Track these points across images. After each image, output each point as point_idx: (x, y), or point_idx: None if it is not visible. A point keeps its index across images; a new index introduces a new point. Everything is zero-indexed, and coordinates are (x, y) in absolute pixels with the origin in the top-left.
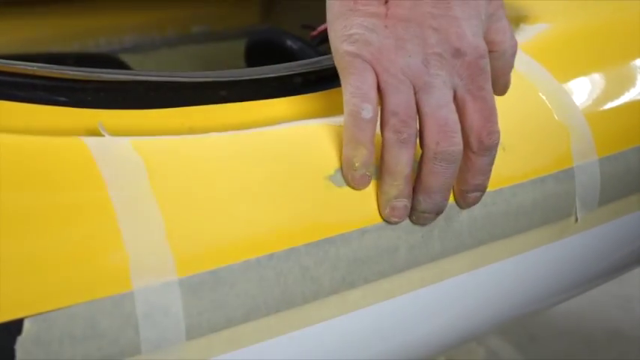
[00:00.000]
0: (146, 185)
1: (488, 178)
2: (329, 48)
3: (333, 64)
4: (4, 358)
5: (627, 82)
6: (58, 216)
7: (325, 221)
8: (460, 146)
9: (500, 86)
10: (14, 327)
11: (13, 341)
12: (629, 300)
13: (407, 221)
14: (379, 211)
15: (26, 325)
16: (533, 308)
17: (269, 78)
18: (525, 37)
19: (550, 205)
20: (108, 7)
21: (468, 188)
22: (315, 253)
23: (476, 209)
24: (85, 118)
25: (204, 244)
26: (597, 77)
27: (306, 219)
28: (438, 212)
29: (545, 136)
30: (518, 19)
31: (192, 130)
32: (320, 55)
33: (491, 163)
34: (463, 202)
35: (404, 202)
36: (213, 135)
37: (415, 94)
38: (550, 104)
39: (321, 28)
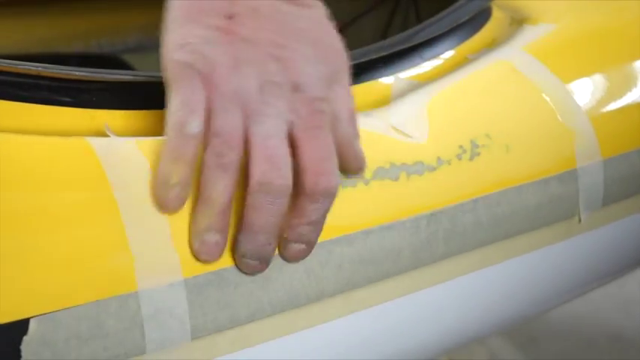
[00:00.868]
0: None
1: (316, 231)
2: None
3: None
4: (10, 358)
5: (631, 84)
6: (63, 216)
7: (330, 222)
8: (288, 181)
9: (351, 160)
10: (20, 327)
11: (19, 341)
12: (630, 302)
13: (411, 221)
14: (189, 244)
15: (32, 325)
16: (536, 309)
17: None
18: (529, 38)
19: (554, 206)
20: (111, 7)
21: (292, 236)
22: (319, 253)
23: (480, 210)
24: (90, 118)
25: None
26: (601, 78)
27: None
28: (262, 259)
29: (549, 138)
30: (521, 20)
31: None
32: None
33: (323, 215)
34: (285, 253)
35: (215, 238)
36: None
37: (245, 120)
38: (554, 105)
39: None
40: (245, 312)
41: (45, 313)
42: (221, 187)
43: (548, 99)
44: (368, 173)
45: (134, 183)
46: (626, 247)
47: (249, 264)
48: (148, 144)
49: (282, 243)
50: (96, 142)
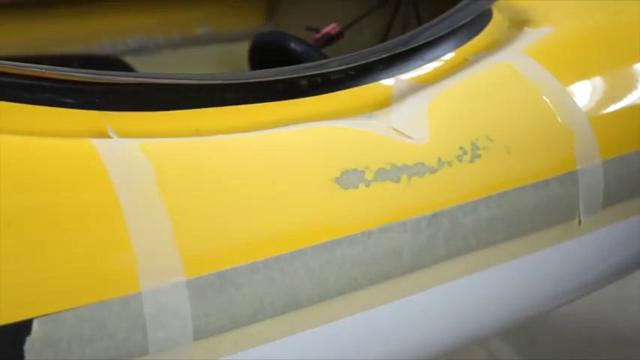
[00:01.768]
0: (154, 187)
1: None
2: (333, 50)
3: (339, 66)
4: (13, 358)
5: (631, 86)
6: (66, 217)
7: (331, 223)
8: None
9: None
10: (23, 327)
11: (22, 342)
12: (629, 302)
13: (412, 223)
14: None
15: (35, 325)
16: (537, 310)
17: (275, 81)
18: (529, 40)
19: (554, 207)
20: (112, 9)
21: None
22: (321, 254)
23: (481, 212)
24: (93, 119)
25: (212, 246)
26: (601, 80)
27: (313, 221)
28: None
29: (548, 139)
30: (522, 22)
31: (199, 132)
32: (324, 58)
33: None
34: None
35: None
36: (220, 137)
37: None
38: (554, 107)
39: (324, 30)
40: (247, 313)
41: (48, 314)
42: None
43: (548, 101)
44: (369, 174)
45: (137, 184)
46: (627, 249)
47: None
48: (150, 145)
49: None
50: (99, 143)
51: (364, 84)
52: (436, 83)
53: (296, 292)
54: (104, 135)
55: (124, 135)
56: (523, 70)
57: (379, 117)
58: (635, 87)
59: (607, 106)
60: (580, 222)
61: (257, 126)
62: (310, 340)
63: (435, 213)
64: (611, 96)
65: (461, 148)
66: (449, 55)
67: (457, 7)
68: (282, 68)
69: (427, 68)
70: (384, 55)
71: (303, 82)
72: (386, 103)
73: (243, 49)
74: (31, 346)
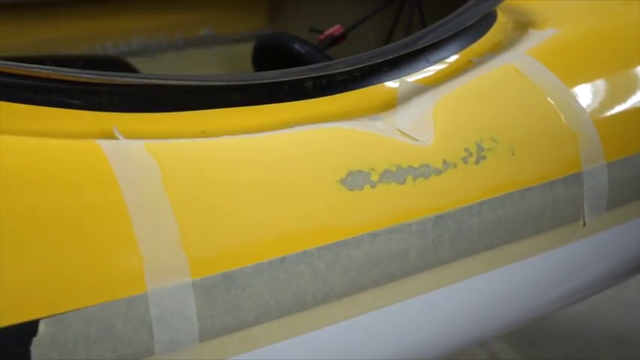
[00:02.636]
0: (160, 188)
1: None
2: (337, 51)
3: (344, 68)
4: (19, 358)
5: (635, 87)
6: (72, 218)
7: (337, 224)
8: None
9: None
10: (30, 328)
11: (28, 342)
12: (630, 303)
13: (417, 224)
14: None
15: (41, 326)
16: (541, 312)
17: (281, 82)
18: (533, 42)
19: (558, 209)
20: (116, 10)
21: None
22: (326, 256)
23: (486, 213)
24: (99, 120)
25: (218, 247)
26: (605, 82)
27: (318, 222)
28: None
29: (553, 141)
30: (526, 24)
31: (205, 133)
32: (327, 59)
33: None
34: None
35: None
36: (226, 138)
37: None
38: (558, 109)
39: (328, 31)
40: (253, 314)
41: (54, 315)
42: None
43: (552, 102)
44: (374, 176)
45: (143, 185)
46: (631, 251)
47: None
48: (156, 146)
49: None
50: (105, 144)
51: (369, 85)
52: (441, 85)
53: (301, 293)
54: (110, 136)
55: (130, 136)
56: (528, 71)
57: (384, 119)
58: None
59: (611, 107)
60: (585, 224)
61: (262, 127)
62: (316, 341)
63: (441, 214)
64: (616, 97)
65: (466, 149)
66: (453, 57)
67: (461, 8)
68: (288, 70)
69: (432, 70)
70: (389, 57)
71: (309, 84)
72: (391, 104)
73: (246, 50)
74: (37, 346)
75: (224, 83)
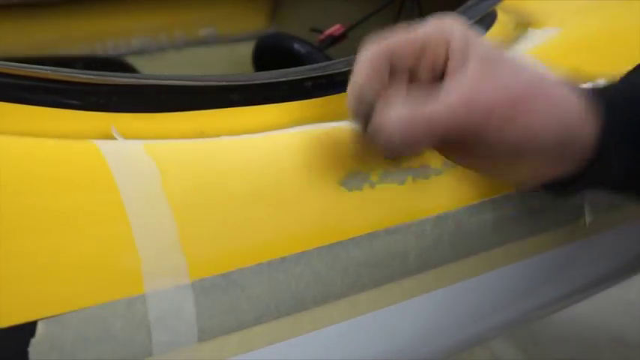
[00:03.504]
0: (159, 188)
1: None
2: (336, 51)
3: (344, 67)
4: None
5: None
6: (70, 219)
7: (336, 225)
8: None
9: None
10: (28, 329)
11: (26, 343)
12: (633, 305)
13: (417, 225)
14: None
15: (40, 327)
16: (542, 312)
17: (280, 82)
18: (533, 41)
19: (559, 208)
20: (115, 10)
21: None
22: (326, 256)
23: (486, 213)
24: (98, 121)
25: (217, 248)
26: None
27: (318, 223)
28: None
29: None
30: (526, 24)
31: (204, 134)
32: (328, 59)
33: None
34: None
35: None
36: (225, 139)
37: None
38: None
39: (328, 31)
40: (252, 315)
41: (52, 316)
42: None
43: None
44: (374, 176)
45: (142, 186)
46: (633, 250)
47: None
48: (155, 147)
49: None
50: (103, 144)
51: None
52: None
53: (301, 293)
54: (108, 136)
55: (128, 136)
56: None
57: None
58: None
59: None
60: (586, 223)
61: (262, 127)
62: (315, 341)
63: (441, 215)
64: None
65: None
66: None
67: (461, 8)
68: (287, 69)
69: None
70: None
71: (308, 84)
72: None
73: (247, 50)
74: (35, 347)
75: (223, 83)
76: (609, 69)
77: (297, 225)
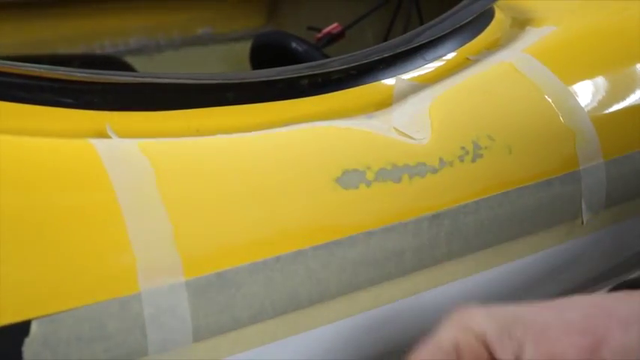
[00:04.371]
0: (153, 187)
1: None
2: (334, 50)
3: (340, 66)
4: (12, 359)
5: (633, 85)
6: (65, 218)
7: (332, 223)
8: None
9: None
10: (22, 328)
11: (20, 343)
12: None
13: (413, 223)
14: None
15: (34, 326)
16: None
17: (276, 80)
18: (531, 39)
19: (556, 207)
20: (113, 9)
21: None
22: (321, 255)
23: (482, 212)
24: (93, 119)
25: (212, 246)
26: (603, 80)
27: (313, 221)
28: None
29: (550, 139)
30: (524, 22)
31: (199, 132)
32: (326, 57)
33: None
34: None
35: None
36: (220, 137)
37: None
38: (556, 107)
39: (326, 30)
40: (247, 314)
41: (46, 315)
42: None
43: (550, 100)
44: (370, 174)
45: (136, 184)
46: (630, 249)
47: None
48: (150, 145)
49: None
50: (98, 143)
51: (365, 84)
52: (438, 83)
53: (296, 292)
54: (103, 135)
55: (123, 135)
56: (525, 69)
57: (380, 117)
58: (637, 87)
59: (610, 105)
60: (583, 222)
61: (257, 126)
62: (311, 340)
63: (437, 213)
64: (614, 96)
65: (462, 148)
66: (450, 55)
67: (459, 6)
68: (283, 68)
69: (428, 68)
70: (385, 55)
71: (304, 82)
72: (387, 102)
73: (244, 48)
74: (29, 347)
75: (219, 82)
76: (605, 68)
77: (293, 223)
